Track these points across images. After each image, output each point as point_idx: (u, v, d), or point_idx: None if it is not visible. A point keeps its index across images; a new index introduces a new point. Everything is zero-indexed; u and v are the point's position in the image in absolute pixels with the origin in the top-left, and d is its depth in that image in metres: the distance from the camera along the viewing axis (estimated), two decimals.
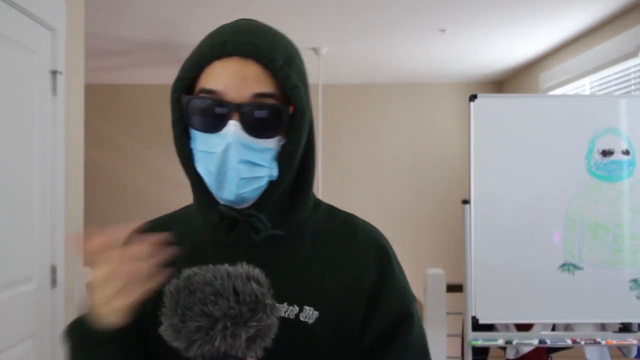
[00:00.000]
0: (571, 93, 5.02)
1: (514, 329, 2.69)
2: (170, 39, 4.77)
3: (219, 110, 1.00)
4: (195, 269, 0.90)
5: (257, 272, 0.91)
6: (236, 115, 0.99)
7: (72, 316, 3.10)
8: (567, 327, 2.69)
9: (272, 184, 1.05)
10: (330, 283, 1.07)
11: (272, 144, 1.04)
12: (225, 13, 4.18)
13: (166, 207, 1.19)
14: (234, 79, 1.00)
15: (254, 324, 0.86)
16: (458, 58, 5.63)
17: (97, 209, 5.55)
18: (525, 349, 2.78)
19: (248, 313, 0.86)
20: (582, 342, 2.60)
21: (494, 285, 2.55)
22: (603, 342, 2.58)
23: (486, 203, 2.58)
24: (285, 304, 1.03)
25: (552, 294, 2.54)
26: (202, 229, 1.11)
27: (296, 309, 1.04)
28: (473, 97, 2.61)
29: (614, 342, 2.59)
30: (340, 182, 6.60)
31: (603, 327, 2.63)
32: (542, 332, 2.65)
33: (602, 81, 4.59)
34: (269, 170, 1.04)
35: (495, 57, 5.61)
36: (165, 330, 0.88)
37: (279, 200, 1.08)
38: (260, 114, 1.01)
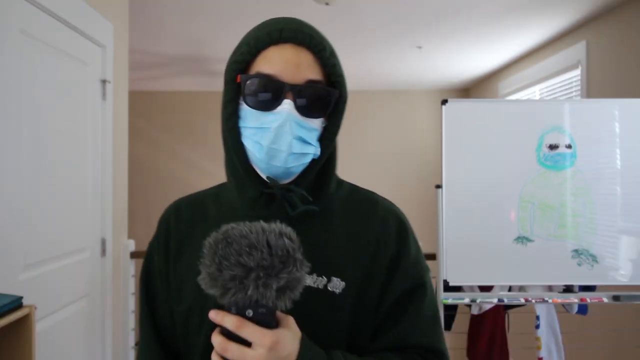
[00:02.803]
0: (524, 98, 5.01)
1: (477, 290, 2.69)
2: (199, 54, 4.75)
3: (275, 89, 0.90)
4: (233, 224, 0.80)
5: (289, 229, 0.81)
6: (290, 95, 0.90)
7: (119, 280, 3.12)
8: (521, 289, 2.69)
9: (313, 162, 0.97)
10: (356, 255, 0.97)
11: (317, 125, 0.95)
12: (244, 31, 4.17)
13: (193, 189, 1.15)
14: (289, 64, 0.91)
15: (285, 275, 0.77)
16: (432, 69, 5.61)
17: (138, 191, 5.55)
18: (487, 306, 2.78)
19: (279, 265, 0.77)
20: (533, 301, 2.60)
21: (461, 254, 2.55)
22: (550, 301, 2.58)
23: (455, 187, 2.57)
24: (315, 275, 0.93)
25: (508, 262, 2.53)
26: (239, 205, 1.00)
27: (324, 279, 0.94)
28: (444, 102, 2.59)
29: (559, 300, 2.59)
30: (337, 172, 6.59)
31: (550, 288, 2.62)
32: (501, 293, 2.65)
33: (550, 88, 4.58)
34: (314, 149, 0.95)
35: (463, 69, 5.60)
36: (202, 279, 0.79)
37: (311, 178, 0.99)
38: (312, 95, 0.92)
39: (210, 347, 0.83)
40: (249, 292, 0.76)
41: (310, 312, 0.85)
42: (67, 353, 2.40)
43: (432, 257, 2.90)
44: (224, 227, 0.80)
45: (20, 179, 1.99)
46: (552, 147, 2.56)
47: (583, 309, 2.75)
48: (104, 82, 2.69)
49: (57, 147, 2.27)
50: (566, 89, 4.31)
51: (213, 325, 0.83)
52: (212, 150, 6.33)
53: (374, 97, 6.80)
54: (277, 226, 0.80)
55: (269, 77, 0.90)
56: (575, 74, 4.13)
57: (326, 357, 0.86)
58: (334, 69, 0.94)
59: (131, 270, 3.06)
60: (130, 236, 3.15)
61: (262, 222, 0.81)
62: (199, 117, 6.44)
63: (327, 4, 3.42)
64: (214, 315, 0.79)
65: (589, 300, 2.57)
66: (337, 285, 0.94)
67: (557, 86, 4.46)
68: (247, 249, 0.77)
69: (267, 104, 0.91)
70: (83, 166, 2.51)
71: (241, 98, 0.94)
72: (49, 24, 2.20)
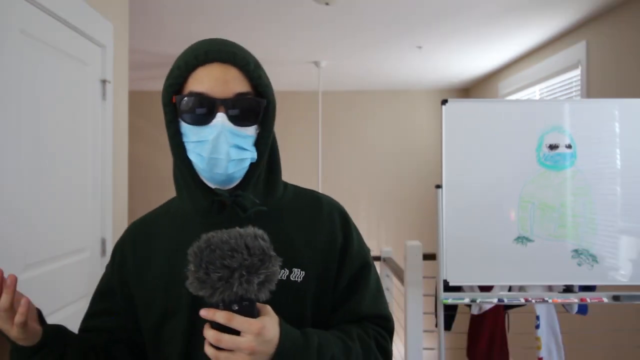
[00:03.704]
0: (524, 98, 5.01)
1: (477, 290, 2.69)
2: None
3: (208, 105, 1.00)
4: (212, 233, 0.90)
5: (261, 231, 0.92)
6: (222, 109, 1.00)
7: None
8: (521, 289, 2.68)
9: (252, 166, 1.07)
10: (310, 247, 1.09)
11: (251, 132, 1.04)
12: (244, 32, 4.18)
13: None
14: (217, 81, 1.00)
15: (263, 271, 0.88)
16: (432, 70, 5.61)
17: (138, 191, 5.55)
18: (487, 306, 2.78)
19: (258, 263, 0.87)
20: (533, 301, 2.60)
21: (461, 254, 2.55)
22: (550, 301, 2.58)
23: (455, 187, 2.57)
24: None
25: (508, 262, 2.53)
26: (192, 215, 1.10)
27: (287, 271, 1.06)
28: (444, 102, 2.59)
29: (559, 300, 2.59)
30: (337, 171, 6.60)
31: (550, 288, 2.62)
32: (501, 293, 2.65)
33: (550, 88, 4.59)
34: (251, 154, 1.04)
35: (463, 69, 5.60)
36: (191, 284, 0.88)
37: (258, 182, 1.10)
38: (242, 106, 1.01)
39: (190, 350, 1.04)
40: (234, 289, 0.87)
41: (279, 299, 0.95)
42: None
43: (432, 257, 2.90)
44: (205, 236, 0.90)
45: (20, 179, 1.98)
46: (552, 147, 2.56)
47: (583, 309, 2.75)
48: (104, 82, 2.68)
49: (57, 147, 2.27)
50: (566, 89, 4.31)
51: (189, 333, 1.03)
52: None
53: (374, 97, 6.81)
54: (252, 230, 0.91)
55: (201, 94, 1.00)
56: (575, 74, 4.13)
57: (300, 335, 0.98)
58: (260, 80, 1.04)
59: None
60: None
61: (238, 228, 0.90)
62: None
63: (327, 4, 3.42)
64: (205, 312, 0.88)
65: (589, 300, 2.57)
66: (298, 275, 1.07)
67: (557, 86, 4.46)
68: (229, 253, 0.87)
69: (202, 119, 1.01)
70: (83, 166, 2.51)
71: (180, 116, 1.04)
72: (49, 24, 2.20)
